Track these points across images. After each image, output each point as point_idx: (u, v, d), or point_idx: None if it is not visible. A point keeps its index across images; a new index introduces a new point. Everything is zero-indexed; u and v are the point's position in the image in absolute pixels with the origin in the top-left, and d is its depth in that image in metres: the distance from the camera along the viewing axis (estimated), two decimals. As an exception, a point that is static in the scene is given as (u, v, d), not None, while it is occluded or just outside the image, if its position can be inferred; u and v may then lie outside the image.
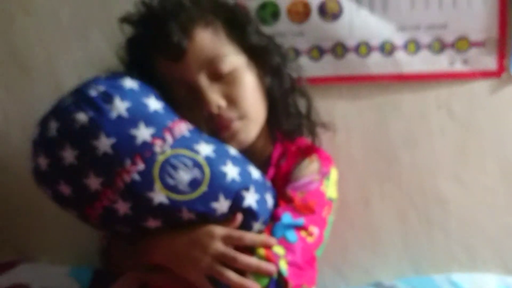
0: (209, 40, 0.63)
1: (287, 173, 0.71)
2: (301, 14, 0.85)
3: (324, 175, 0.70)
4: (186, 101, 0.64)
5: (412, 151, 0.87)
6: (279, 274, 0.57)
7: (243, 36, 0.67)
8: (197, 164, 0.57)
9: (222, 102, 0.64)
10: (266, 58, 0.69)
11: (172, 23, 0.60)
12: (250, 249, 0.59)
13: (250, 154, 0.68)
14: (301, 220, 0.62)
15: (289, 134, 0.74)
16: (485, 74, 0.83)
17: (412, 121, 0.86)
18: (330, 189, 0.71)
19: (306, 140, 0.78)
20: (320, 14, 0.84)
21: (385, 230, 0.90)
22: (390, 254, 0.90)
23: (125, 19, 0.68)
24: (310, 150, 0.73)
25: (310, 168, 0.70)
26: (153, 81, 0.63)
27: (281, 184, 0.69)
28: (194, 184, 0.56)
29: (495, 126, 0.85)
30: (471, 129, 0.85)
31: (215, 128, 0.65)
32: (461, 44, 0.83)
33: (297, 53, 0.85)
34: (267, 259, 0.58)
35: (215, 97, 0.63)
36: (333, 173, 0.73)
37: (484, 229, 0.88)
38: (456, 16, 0.82)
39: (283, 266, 0.58)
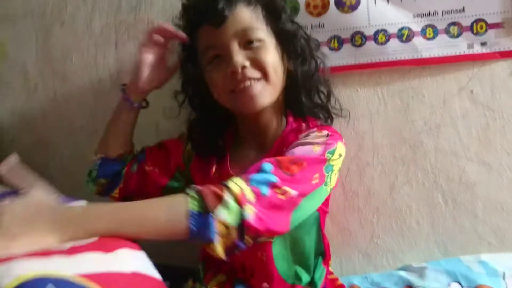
0: (248, 16, 0.72)
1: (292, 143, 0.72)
2: (319, 8, 0.88)
3: (328, 145, 0.69)
4: (213, 68, 0.73)
5: (435, 135, 0.88)
6: (242, 217, 0.57)
7: (277, 21, 0.74)
8: None
9: (247, 63, 0.70)
10: (293, 43, 0.76)
11: None
12: (225, 187, 0.59)
13: (264, 127, 0.76)
14: (274, 178, 0.62)
15: (304, 113, 0.78)
16: (504, 55, 0.84)
17: (434, 105, 0.88)
18: (332, 161, 0.70)
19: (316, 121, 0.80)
20: (337, 6, 0.87)
21: (411, 214, 0.91)
22: (417, 237, 0.91)
23: None
24: (322, 127, 0.76)
25: (316, 139, 0.71)
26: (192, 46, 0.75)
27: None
28: None
29: (517, 106, 0.86)
30: (493, 110, 0.86)
31: (236, 87, 0.71)
32: (479, 27, 0.84)
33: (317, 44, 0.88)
34: (238, 199, 0.58)
35: (241, 59, 0.70)
36: (339, 147, 0.71)
37: (511, 210, 0.88)
38: (472, 0, 0.84)
39: (249, 211, 0.58)
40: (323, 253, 0.80)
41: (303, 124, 0.76)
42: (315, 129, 0.74)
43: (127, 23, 0.99)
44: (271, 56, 0.72)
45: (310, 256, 0.77)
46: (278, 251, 0.74)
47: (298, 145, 0.69)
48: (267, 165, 0.63)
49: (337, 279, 0.81)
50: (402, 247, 0.92)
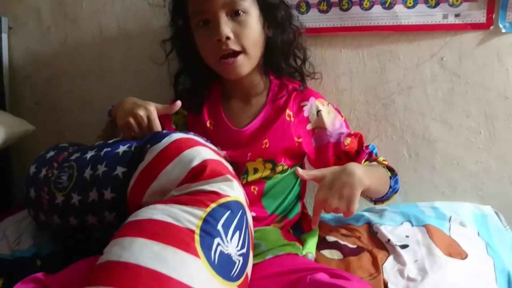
0: None
1: (284, 108, 0.87)
2: (312, -29, 0.96)
3: (337, 109, 0.92)
4: (202, 32, 0.82)
5: (406, 95, 1.00)
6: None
7: None
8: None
9: (231, 35, 0.80)
10: (275, 14, 0.85)
11: None
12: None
13: (248, 86, 0.89)
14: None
15: (282, 74, 0.91)
16: (475, 26, 0.93)
17: (407, 68, 0.98)
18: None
19: (293, 80, 0.93)
20: (329, -30, 0.95)
21: (379, 164, 1.04)
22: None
23: None
24: (308, 93, 0.90)
25: (331, 114, 0.89)
26: (183, 19, 0.85)
27: (273, 113, 0.87)
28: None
29: (481, 74, 0.96)
30: (459, 76, 0.97)
31: (219, 54, 0.81)
32: (455, -1, 0.93)
33: (308, 6, 0.97)
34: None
35: (227, 29, 0.80)
36: None
37: (466, 166, 1.01)
38: (451, -27, 0.92)
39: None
40: (301, 193, 0.94)
41: (287, 84, 0.89)
42: (320, 108, 0.89)
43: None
44: (253, 29, 0.82)
45: (292, 196, 0.90)
46: (268, 189, 0.86)
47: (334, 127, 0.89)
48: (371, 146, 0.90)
49: (309, 215, 0.95)
50: (369, 192, 1.06)
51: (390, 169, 0.88)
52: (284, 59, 0.89)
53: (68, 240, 0.82)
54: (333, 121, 0.88)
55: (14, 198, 1.16)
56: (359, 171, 0.72)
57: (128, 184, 0.69)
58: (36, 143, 1.09)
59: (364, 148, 0.88)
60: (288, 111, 0.87)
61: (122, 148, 0.74)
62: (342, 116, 0.91)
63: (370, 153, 0.88)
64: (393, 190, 0.88)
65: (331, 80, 0.99)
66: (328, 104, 0.91)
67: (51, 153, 0.83)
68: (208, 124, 0.89)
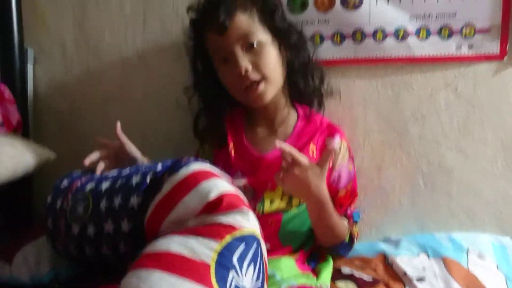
0: (246, 21, 0.84)
1: (308, 142, 0.90)
2: (326, 4, 0.99)
3: (352, 158, 0.95)
4: (224, 68, 0.87)
5: (420, 124, 1.00)
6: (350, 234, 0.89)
7: (271, 21, 0.87)
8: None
9: (249, 66, 0.84)
10: (287, 37, 0.89)
11: (221, 9, 0.83)
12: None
13: (273, 113, 0.92)
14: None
15: (303, 96, 0.94)
16: (489, 58, 0.94)
17: (421, 98, 0.99)
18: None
19: (322, 117, 0.95)
20: (342, 4, 0.98)
21: (394, 193, 1.04)
22: (398, 214, 1.04)
23: (189, 7, 0.93)
24: (335, 130, 0.92)
25: (344, 160, 0.92)
26: (202, 51, 0.90)
27: (297, 146, 0.88)
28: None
29: (496, 103, 0.96)
30: (475, 105, 0.97)
31: (242, 86, 0.85)
32: (468, 30, 0.94)
33: (322, 38, 0.99)
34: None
35: (245, 62, 0.84)
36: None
37: (483, 194, 1.00)
38: (464, 6, 0.93)
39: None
40: None
41: (311, 114, 0.93)
42: (341, 146, 0.92)
43: (154, 7, 1.10)
44: (270, 56, 0.86)
45: (307, 228, 0.90)
46: (285, 223, 0.87)
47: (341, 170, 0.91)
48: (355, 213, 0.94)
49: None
50: (384, 221, 1.05)
51: (352, 237, 0.90)
52: (303, 79, 0.92)
53: (86, 265, 0.84)
54: (341, 167, 0.91)
55: (33, 219, 1.19)
56: (327, 192, 0.82)
57: (144, 214, 0.71)
58: (58, 168, 1.12)
59: (350, 208, 0.92)
60: (312, 146, 0.90)
61: (135, 179, 0.76)
62: (353, 167, 0.94)
63: (349, 215, 0.92)
64: (336, 250, 0.90)
65: (345, 110, 1.01)
66: (347, 150, 0.93)
67: (65, 183, 0.85)
68: (230, 150, 0.91)
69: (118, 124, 0.93)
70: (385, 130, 1.02)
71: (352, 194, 0.92)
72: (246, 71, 0.83)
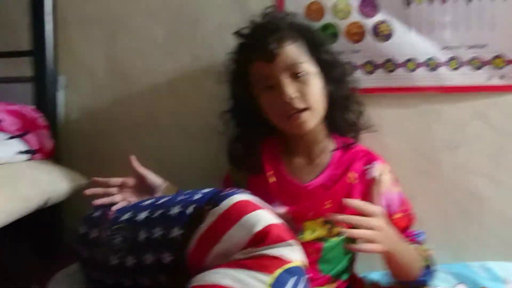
0: (294, 51, 0.86)
1: (347, 170, 0.90)
2: (357, 35, 1.01)
3: (397, 180, 0.94)
4: (268, 95, 0.87)
5: (452, 153, 1.01)
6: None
7: (318, 53, 0.89)
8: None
9: (295, 94, 0.84)
10: (332, 71, 0.90)
11: (271, 37, 0.85)
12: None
13: (312, 143, 0.91)
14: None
15: (341, 129, 0.94)
16: (520, 88, 0.95)
17: (452, 127, 1.00)
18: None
19: (361, 147, 0.95)
20: (373, 35, 1.00)
21: (427, 223, 1.01)
22: (430, 242, 1.01)
23: (237, 32, 0.94)
24: (373, 157, 0.92)
25: (389, 180, 0.91)
26: (244, 77, 0.90)
27: (337, 174, 0.89)
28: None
29: (528, 133, 0.97)
30: (506, 135, 0.98)
31: (286, 114, 0.85)
32: (498, 61, 0.95)
33: (353, 67, 1.01)
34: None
35: (291, 90, 0.84)
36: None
37: (517, 223, 0.99)
38: (495, 38, 0.95)
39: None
40: (353, 254, 0.93)
41: (348, 143, 0.93)
42: (383, 174, 0.91)
43: (185, 36, 1.13)
44: (316, 87, 0.87)
45: (348, 258, 0.90)
46: (325, 253, 0.87)
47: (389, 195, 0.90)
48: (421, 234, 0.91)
49: (357, 274, 0.94)
50: (416, 250, 1.04)
51: (428, 259, 0.86)
52: (343, 113, 0.93)
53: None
54: (389, 192, 0.90)
55: (60, 248, 1.18)
56: (397, 238, 0.80)
57: (186, 246, 0.71)
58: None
59: (411, 230, 0.90)
60: (351, 173, 0.89)
61: (174, 210, 0.75)
62: (400, 189, 0.93)
63: (414, 238, 0.89)
64: (420, 282, 0.85)
65: (377, 138, 1.01)
66: (389, 172, 0.93)
67: (97, 213, 0.85)
68: (270, 180, 0.91)
69: (134, 158, 0.93)
70: (417, 159, 1.02)
71: (408, 215, 0.91)
72: (292, 99, 0.84)
